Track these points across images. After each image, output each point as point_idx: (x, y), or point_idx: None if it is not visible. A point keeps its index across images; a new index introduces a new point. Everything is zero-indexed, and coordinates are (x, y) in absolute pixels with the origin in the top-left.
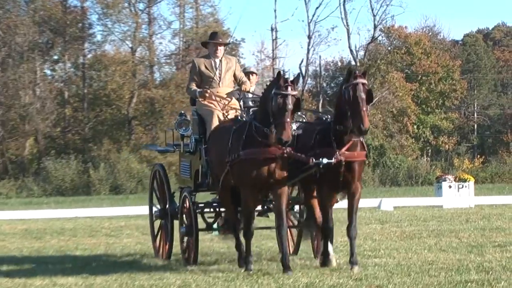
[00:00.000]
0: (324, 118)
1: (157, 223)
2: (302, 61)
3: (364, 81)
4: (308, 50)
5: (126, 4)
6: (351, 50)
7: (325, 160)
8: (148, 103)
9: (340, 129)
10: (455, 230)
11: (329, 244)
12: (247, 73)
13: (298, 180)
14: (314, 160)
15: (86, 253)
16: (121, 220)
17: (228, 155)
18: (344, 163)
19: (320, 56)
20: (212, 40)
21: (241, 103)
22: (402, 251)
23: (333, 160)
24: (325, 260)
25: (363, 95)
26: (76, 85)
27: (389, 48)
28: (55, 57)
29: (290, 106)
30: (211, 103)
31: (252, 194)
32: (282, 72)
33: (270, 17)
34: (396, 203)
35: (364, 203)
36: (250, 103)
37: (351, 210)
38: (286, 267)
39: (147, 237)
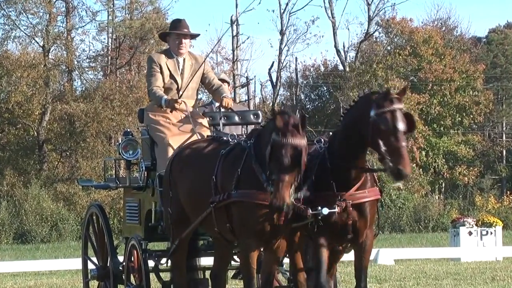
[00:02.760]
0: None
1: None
2: (272, 65)
3: (401, 105)
4: (281, 50)
5: None
6: (337, 51)
7: (325, 211)
8: (65, 121)
9: (346, 168)
10: None
11: None
12: None
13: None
14: (311, 211)
15: None
16: (29, 278)
17: (213, 191)
18: (351, 207)
19: (296, 59)
20: (175, 30)
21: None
22: None
23: (336, 210)
24: None
25: (403, 126)
26: None
27: (389, 48)
28: None
29: (287, 160)
30: (165, 125)
31: (257, 246)
32: (279, 109)
33: (229, 6)
34: (398, 255)
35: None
36: (222, 120)
37: (360, 265)
38: None
39: None
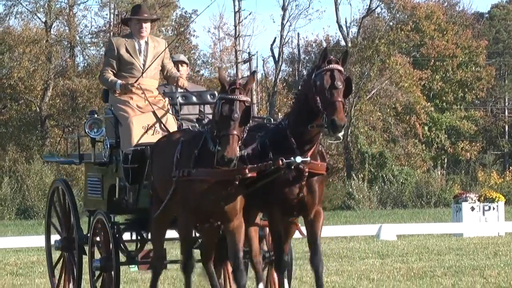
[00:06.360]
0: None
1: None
2: (274, 40)
3: (341, 68)
4: (283, 26)
5: None
6: (340, 26)
7: (298, 159)
8: (68, 96)
9: (303, 134)
10: (480, 266)
11: (286, 284)
12: (176, 63)
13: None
14: (284, 160)
15: None
16: (32, 253)
17: (174, 168)
18: (306, 174)
19: (298, 34)
20: (135, 15)
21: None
22: None
23: (308, 159)
24: None
25: (340, 84)
26: None
27: (391, 24)
28: None
29: (236, 115)
30: (128, 105)
31: (192, 222)
32: (226, 71)
33: None
34: (401, 230)
35: (358, 230)
36: (180, 100)
37: (314, 237)
38: None
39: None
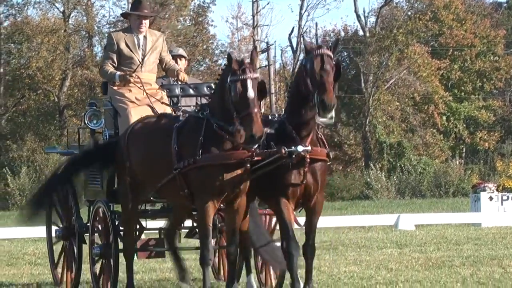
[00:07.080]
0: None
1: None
2: (292, 30)
3: (330, 53)
4: (301, 15)
5: None
6: (358, 16)
7: (300, 148)
8: (86, 86)
9: (299, 121)
10: (498, 256)
11: (297, 275)
12: (174, 57)
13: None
14: (286, 149)
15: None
16: None
17: (176, 159)
18: (308, 161)
19: (316, 24)
20: (135, 11)
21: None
22: (427, 285)
23: (309, 148)
24: None
25: (329, 67)
26: None
27: (410, 13)
28: None
29: (253, 93)
30: (127, 97)
31: (214, 205)
32: (233, 55)
33: None
34: (419, 220)
35: (376, 220)
36: (178, 91)
37: (309, 226)
38: None
39: (84, 266)
